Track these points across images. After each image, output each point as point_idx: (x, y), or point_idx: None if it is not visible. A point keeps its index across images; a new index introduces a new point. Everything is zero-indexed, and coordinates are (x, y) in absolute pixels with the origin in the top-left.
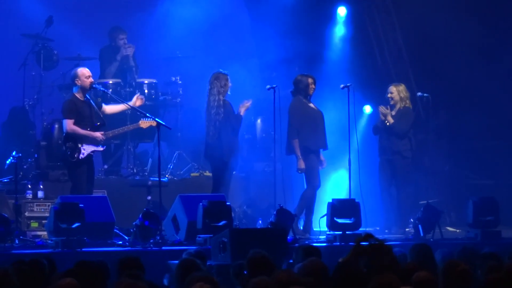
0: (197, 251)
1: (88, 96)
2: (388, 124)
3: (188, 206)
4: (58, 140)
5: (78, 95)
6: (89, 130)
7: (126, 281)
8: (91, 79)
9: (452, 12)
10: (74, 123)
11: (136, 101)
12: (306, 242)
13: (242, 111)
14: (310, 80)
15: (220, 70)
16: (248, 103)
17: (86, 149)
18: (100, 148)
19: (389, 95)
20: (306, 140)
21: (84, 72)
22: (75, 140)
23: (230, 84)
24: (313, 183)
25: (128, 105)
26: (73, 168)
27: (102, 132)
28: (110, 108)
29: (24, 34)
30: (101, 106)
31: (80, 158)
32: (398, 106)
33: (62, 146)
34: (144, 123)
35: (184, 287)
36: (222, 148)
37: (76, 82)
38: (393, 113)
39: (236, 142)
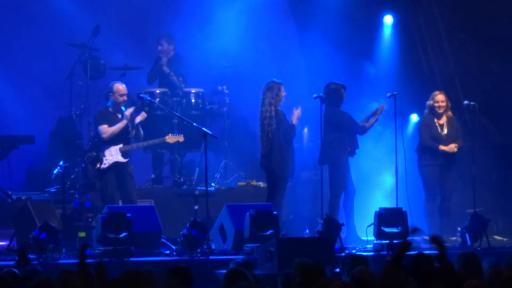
0: (244, 260)
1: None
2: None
3: (235, 215)
4: None
5: (110, 109)
6: (119, 143)
7: None
8: (124, 97)
9: (498, 20)
10: None
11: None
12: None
13: (294, 120)
14: (343, 90)
15: (274, 79)
16: (297, 110)
17: (108, 160)
18: (123, 160)
19: (438, 104)
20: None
21: (120, 88)
22: (98, 150)
23: (284, 93)
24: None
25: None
26: (98, 177)
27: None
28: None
29: (71, 44)
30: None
31: (101, 168)
32: (447, 114)
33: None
34: (171, 138)
35: None
36: (275, 159)
37: (110, 96)
38: (442, 122)
39: (290, 152)
